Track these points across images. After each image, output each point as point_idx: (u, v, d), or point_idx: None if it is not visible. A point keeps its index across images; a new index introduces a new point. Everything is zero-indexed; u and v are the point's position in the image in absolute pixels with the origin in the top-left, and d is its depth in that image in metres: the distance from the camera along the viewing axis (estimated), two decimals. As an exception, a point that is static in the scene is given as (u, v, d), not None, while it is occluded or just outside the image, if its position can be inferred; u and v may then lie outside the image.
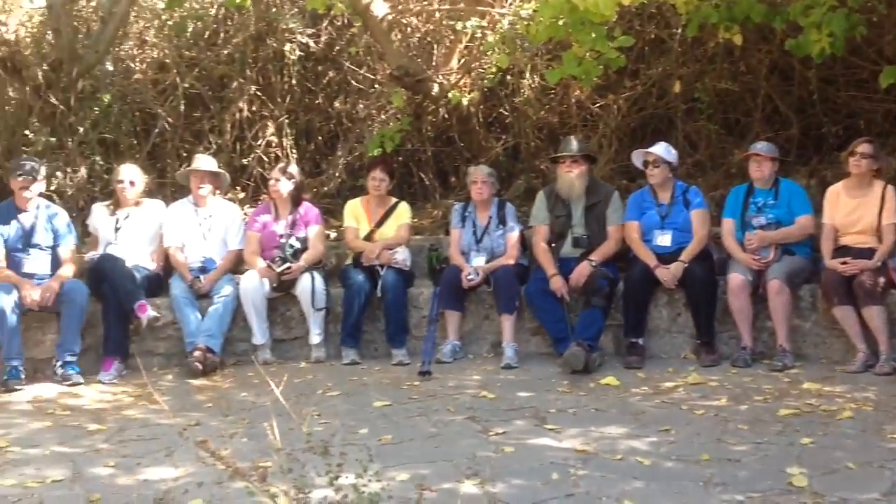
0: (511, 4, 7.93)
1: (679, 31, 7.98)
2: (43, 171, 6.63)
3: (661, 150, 6.56)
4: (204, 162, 6.99)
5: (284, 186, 6.86)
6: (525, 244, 6.88)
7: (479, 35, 7.89)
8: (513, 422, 5.01)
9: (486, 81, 7.99)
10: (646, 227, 6.52)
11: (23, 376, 6.10)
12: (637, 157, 6.71)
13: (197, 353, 6.28)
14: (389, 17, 7.91)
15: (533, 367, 6.31)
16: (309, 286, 6.55)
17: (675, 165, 6.66)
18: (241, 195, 8.54)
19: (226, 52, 8.92)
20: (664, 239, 6.44)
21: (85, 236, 7.12)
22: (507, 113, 8.83)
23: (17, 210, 6.46)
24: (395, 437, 4.77)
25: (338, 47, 9.14)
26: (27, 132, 8.06)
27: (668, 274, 6.25)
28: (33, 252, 6.44)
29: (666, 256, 6.35)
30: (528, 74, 8.51)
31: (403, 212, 7.07)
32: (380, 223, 6.98)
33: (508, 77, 8.45)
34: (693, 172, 7.95)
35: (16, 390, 5.99)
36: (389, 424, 5.03)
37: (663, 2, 6.94)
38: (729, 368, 6.06)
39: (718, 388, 5.61)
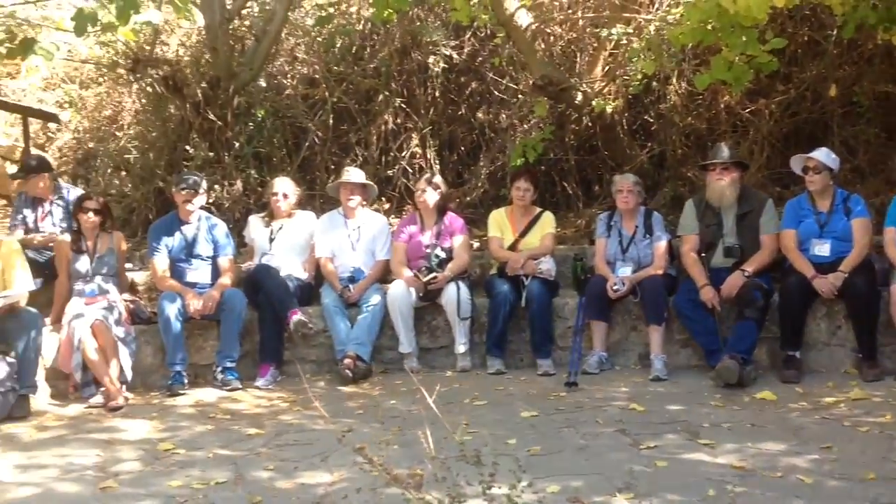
0: (657, 10, 7.80)
1: (834, 32, 7.68)
2: (204, 184, 6.94)
3: (822, 155, 6.30)
4: (354, 174, 7.17)
5: (430, 197, 6.96)
6: (673, 254, 6.76)
7: (624, 42, 7.80)
8: (664, 435, 4.92)
9: (630, 88, 7.88)
10: (803, 236, 6.28)
11: (186, 381, 6.41)
12: (796, 163, 6.47)
13: (347, 361, 6.43)
14: (533, 26, 7.90)
15: (682, 380, 6.18)
16: (455, 296, 6.61)
17: (836, 172, 6.40)
18: (387, 206, 8.71)
19: (372, 66, 9.12)
20: (822, 248, 6.19)
21: (241, 247, 7.40)
22: (652, 120, 8.70)
23: (181, 222, 6.77)
24: (544, 449, 4.76)
25: (480, 58, 9.21)
26: (187, 147, 8.44)
27: (827, 285, 6.00)
28: (195, 262, 6.74)
29: (824, 266, 6.11)
30: (674, 80, 8.35)
31: (548, 221, 7.05)
32: (524, 233, 6.99)
33: (654, 83, 8.32)
34: (851, 179, 7.63)
35: (180, 394, 6.29)
36: (537, 435, 5.03)
37: (818, 3, 6.68)
38: (893, 384, 5.79)
39: (883, 403, 5.37)
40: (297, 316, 6.49)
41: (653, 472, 4.30)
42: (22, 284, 6.11)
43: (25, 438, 5.45)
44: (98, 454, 5.09)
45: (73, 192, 7.39)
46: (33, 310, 6.13)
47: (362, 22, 9.30)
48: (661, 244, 6.67)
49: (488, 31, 8.92)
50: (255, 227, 7.23)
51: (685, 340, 6.54)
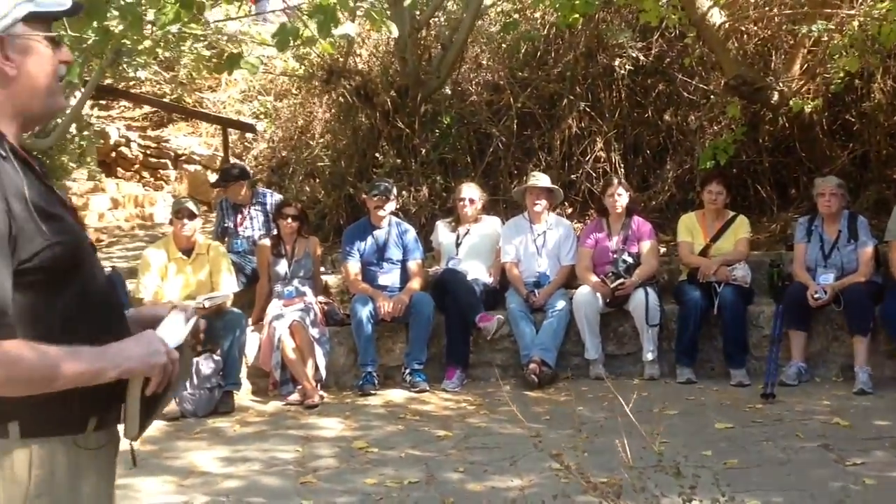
0: (861, 5, 7.39)
1: None
2: (395, 190, 7.11)
3: None
4: (541, 179, 7.16)
5: (622, 201, 6.86)
6: (879, 260, 6.37)
7: (825, 38, 7.42)
8: (872, 452, 4.66)
9: (832, 87, 7.49)
10: None
11: (376, 382, 6.58)
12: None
13: (532, 366, 6.43)
14: (726, 25, 7.65)
15: (889, 394, 5.84)
16: (643, 302, 6.48)
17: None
18: (569, 210, 8.65)
19: (556, 70, 9.08)
20: None
21: (427, 251, 7.53)
22: (854, 119, 8.24)
23: (373, 227, 6.97)
24: (742, 462, 4.60)
25: (668, 59, 9.00)
26: (377, 154, 8.68)
27: None
28: (386, 266, 6.92)
29: None
30: (879, 77, 7.88)
31: (741, 226, 6.81)
32: (716, 237, 6.78)
33: (857, 81, 7.87)
34: None
35: (370, 394, 6.47)
36: (734, 448, 4.86)
37: None
38: None
39: None
40: (490, 323, 6.53)
41: (860, 491, 4.08)
42: (228, 286, 6.46)
43: (230, 433, 5.74)
44: (297, 450, 5.31)
45: (270, 197, 7.75)
46: (238, 310, 6.47)
47: (546, 27, 9.28)
48: (868, 250, 6.31)
49: (677, 32, 8.70)
50: (442, 232, 7.35)
51: (891, 351, 6.19)
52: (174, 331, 1.94)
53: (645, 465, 3.39)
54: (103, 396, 1.82)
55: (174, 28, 7.13)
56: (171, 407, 5.93)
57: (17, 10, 1.77)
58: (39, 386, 1.68)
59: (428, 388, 6.53)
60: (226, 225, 7.68)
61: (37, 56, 1.80)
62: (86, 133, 12.09)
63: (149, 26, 7.06)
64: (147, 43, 7.51)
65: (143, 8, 6.03)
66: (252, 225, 7.63)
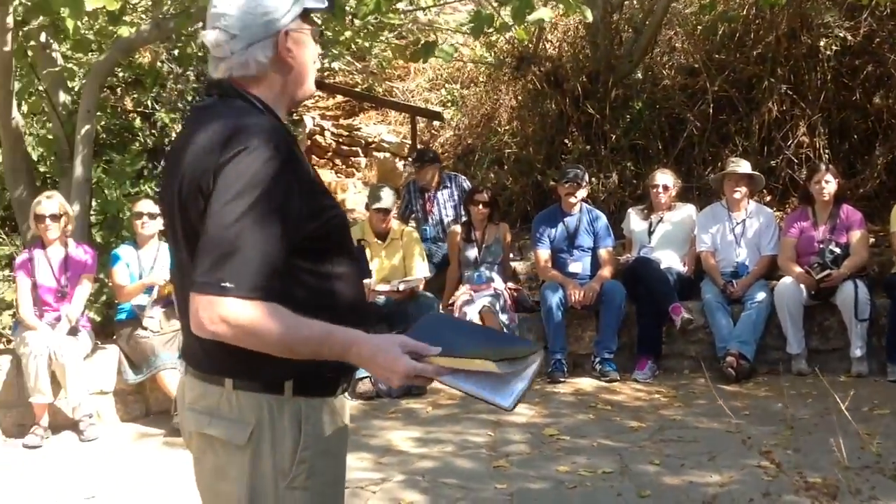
0: None
1: None
2: (586, 177, 7.01)
3: None
4: (742, 165, 6.87)
5: (830, 188, 6.49)
6: None
7: None
8: None
9: None
10: None
11: (566, 369, 6.52)
12: None
13: (729, 359, 6.21)
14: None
15: None
16: (851, 295, 6.12)
17: None
18: (768, 198, 8.28)
19: (756, 52, 8.70)
20: None
21: (617, 238, 7.39)
22: None
23: (563, 214, 6.90)
24: (967, 469, 4.26)
25: (878, 39, 8.45)
26: (566, 140, 8.60)
27: None
28: (576, 253, 6.84)
29: None
30: None
31: (963, 216, 6.31)
32: (933, 228, 6.31)
33: None
34: None
35: (560, 382, 6.42)
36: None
37: None
38: None
39: None
40: (682, 314, 6.36)
41: None
42: (420, 271, 6.57)
43: (423, 414, 5.84)
44: (488, 434, 5.34)
45: (457, 180, 7.84)
46: (430, 294, 6.57)
47: (746, 7, 8.90)
48: None
49: (888, 10, 8.15)
50: (634, 219, 7.20)
51: None
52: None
53: (860, 466, 3.19)
54: (352, 366, 1.94)
55: (372, 18, 7.31)
56: (367, 386, 6.11)
57: (296, 7, 1.93)
58: (282, 352, 1.81)
59: (618, 378, 6.43)
60: (413, 209, 7.82)
61: (306, 48, 1.98)
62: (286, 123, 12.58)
63: (349, 17, 7.27)
64: (347, 33, 7.72)
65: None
66: (440, 211, 7.73)
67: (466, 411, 5.84)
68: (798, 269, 6.41)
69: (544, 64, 8.73)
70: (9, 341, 6.08)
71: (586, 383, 6.46)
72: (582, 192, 6.89)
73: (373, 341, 1.86)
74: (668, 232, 6.99)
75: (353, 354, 1.84)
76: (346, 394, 2.07)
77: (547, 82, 8.75)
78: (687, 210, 7.14)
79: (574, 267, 6.82)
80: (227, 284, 1.73)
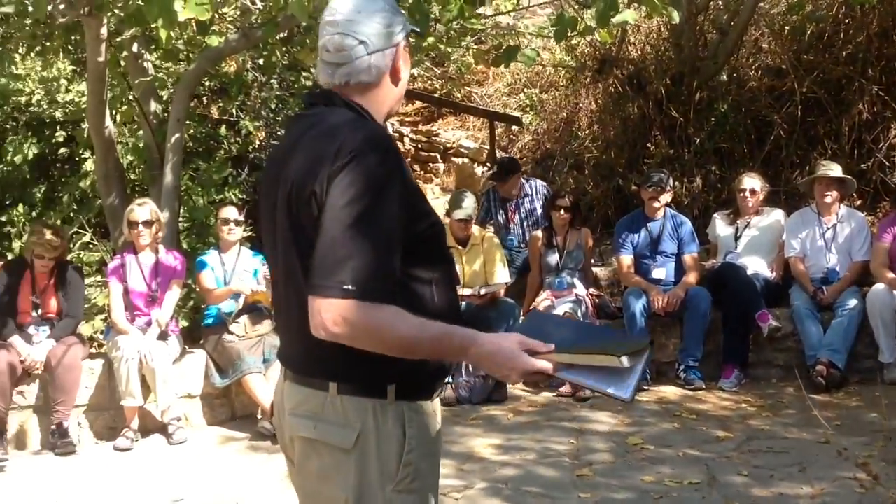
0: None
1: None
2: (670, 181, 6.90)
3: None
4: (833, 168, 6.68)
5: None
6: None
7: None
8: None
9: None
10: None
11: (649, 377, 6.43)
12: None
13: (819, 368, 6.05)
14: None
15: None
16: (949, 303, 5.90)
17: None
18: (858, 202, 8.04)
19: (845, 52, 8.46)
20: None
21: (702, 244, 7.26)
22: None
23: (646, 219, 6.81)
24: None
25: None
26: (648, 144, 8.48)
27: None
28: (660, 259, 6.74)
29: None
30: None
31: None
32: None
33: None
34: None
35: (643, 390, 6.29)
36: None
37: None
38: None
39: None
40: (769, 321, 6.22)
41: None
42: (501, 276, 6.56)
43: (504, 421, 5.82)
44: (571, 442, 5.29)
45: (535, 185, 7.80)
46: (510, 300, 6.54)
47: (835, 7, 8.67)
48: None
49: None
50: (720, 224, 7.07)
51: None
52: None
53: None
54: (448, 369, 2.08)
55: (454, 23, 7.32)
56: (448, 393, 6.11)
57: (407, 26, 2.08)
58: (401, 352, 1.87)
59: (704, 387, 6.31)
60: (493, 217, 7.80)
61: (406, 64, 2.11)
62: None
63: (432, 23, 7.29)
64: (430, 39, 7.75)
65: (429, 5, 6.20)
66: (522, 219, 7.70)
67: (548, 419, 5.81)
68: (891, 276, 6.22)
69: (626, 66, 8.63)
70: (100, 345, 6.25)
71: (670, 391, 6.35)
72: (666, 197, 6.79)
73: (491, 340, 1.92)
74: (756, 237, 6.84)
75: (471, 354, 1.90)
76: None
77: (629, 85, 8.65)
78: (775, 215, 6.97)
79: (657, 273, 6.72)
80: (349, 287, 1.79)
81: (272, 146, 9.66)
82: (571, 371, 1.94)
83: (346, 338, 1.82)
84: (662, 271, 6.72)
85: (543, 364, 1.91)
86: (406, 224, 1.88)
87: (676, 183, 8.09)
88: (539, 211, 7.64)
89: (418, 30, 2.14)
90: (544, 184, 8.12)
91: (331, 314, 1.80)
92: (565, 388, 6.31)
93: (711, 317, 6.50)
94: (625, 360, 1.91)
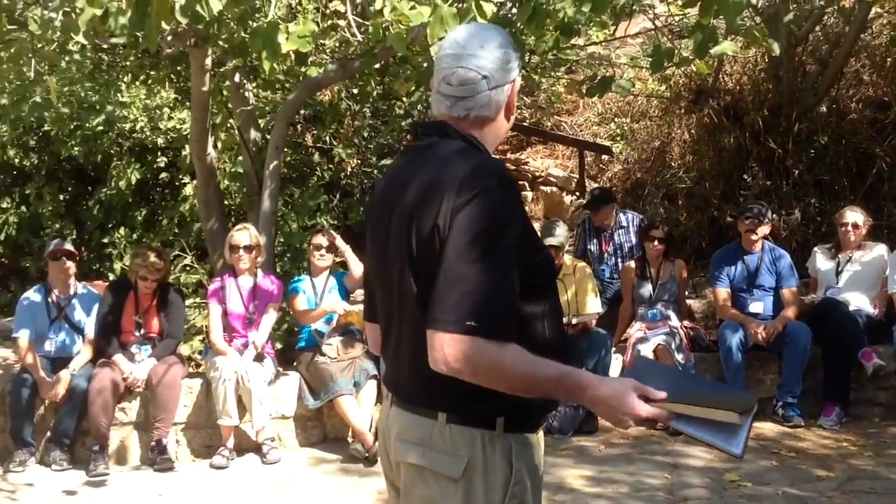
0: None
1: None
2: (768, 214, 6.77)
3: None
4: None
5: None
6: None
7: None
8: None
9: None
10: None
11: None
12: None
13: (925, 408, 5.83)
14: None
15: None
16: None
17: None
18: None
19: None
20: None
21: (801, 278, 7.09)
22: None
23: (743, 251, 6.67)
24: None
25: None
26: (744, 176, 8.35)
27: None
28: (757, 292, 6.59)
29: None
30: None
31: None
32: None
33: None
34: None
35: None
36: None
37: None
38: None
39: None
40: (873, 359, 6.03)
41: None
42: (593, 306, 6.50)
43: (595, 452, 5.76)
44: (665, 476, 5.21)
45: (629, 217, 7.74)
46: (603, 331, 6.48)
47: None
48: None
49: None
50: (820, 258, 6.90)
51: None
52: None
53: None
54: (555, 403, 2.14)
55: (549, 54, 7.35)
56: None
57: (519, 61, 2.12)
58: (518, 391, 1.88)
59: (803, 424, 6.13)
60: (588, 247, 7.76)
61: (514, 94, 2.11)
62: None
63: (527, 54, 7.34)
64: (525, 70, 7.79)
65: (525, 37, 6.24)
66: (616, 250, 7.64)
67: (641, 451, 5.73)
68: None
69: (723, 97, 8.52)
70: (199, 365, 6.40)
71: (767, 428, 6.20)
72: (763, 230, 6.66)
73: (607, 384, 1.91)
74: (858, 272, 6.66)
75: (587, 396, 1.89)
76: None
77: (725, 116, 8.54)
78: (878, 249, 6.77)
79: (754, 307, 6.58)
80: (472, 323, 1.79)
81: (369, 174, 9.83)
82: (682, 421, 1.92)
83: (466, 374, 1.83)
84: (760, 305, 6.58)
85: (659, 412, 1.90)
86: (523, 258, 1.90)
87: (774, 215, 7.93)
88: (633, 243, 7.56)
89: (520, 66, 2.14)
90: (639, 215, 8.04)
91: (453, 350, 1.81)
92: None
93: (811, 352, 6.32)
94: (740, 418, 1.91)
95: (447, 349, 1.81)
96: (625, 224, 7.73)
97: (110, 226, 9.14)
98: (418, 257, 1.92)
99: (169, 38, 6.13)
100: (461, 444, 1.93)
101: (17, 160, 8.88)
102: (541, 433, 2.10)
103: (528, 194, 14.01)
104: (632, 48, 12.32)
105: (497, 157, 10.22)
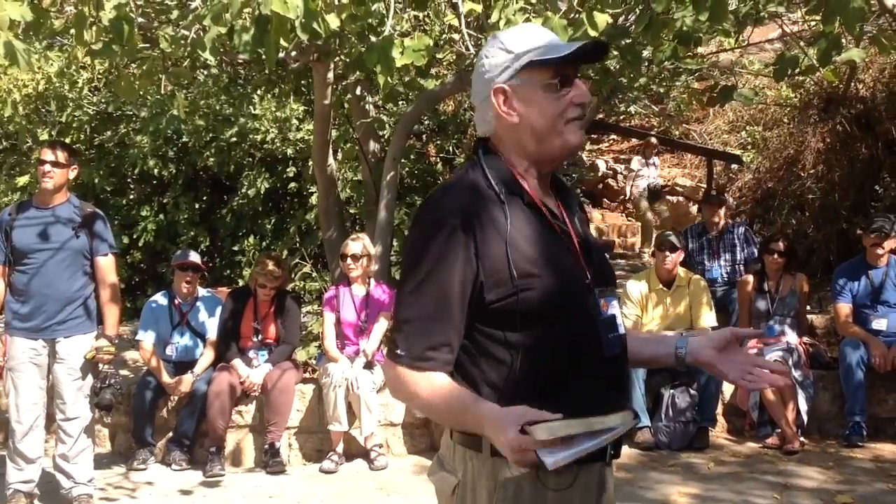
0: None
1: None
2: (895, 227, 6.47)
3: None
4: None
5: None
6: None
7: None
8: None
9: None
10: None
11: (865, 433, 6.04)
12: None
13: None
14: None
15: None
16: None
17: None
18: None
19: None
20: None
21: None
22: None
23: (868, 266, 6.41)
24: None
25: None
26: (876, 187, 8.01)
27: None
28: (881, 309, 6.33)
29: None
30: None
31: None
32: None
33: None
34: None
35: (858, 446, 5.97)
36: None
37: None
38: None
39: None
40: None
41: None
42: (708, 320, 6.38)
43: (704, 470, 5.65)
44: (774, 496, 5.07)
45: (738, 228, 7.63)
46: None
47: None
48: None
49: None
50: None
51: None
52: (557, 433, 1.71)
53: None
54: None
55: (668, 63, 7.26)
56: (646, 436, 6.02)
57: (516, 63, 1.91)
58: (441, 421, 2.00)
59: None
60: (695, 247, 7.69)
61: (535, 102, 1.91)
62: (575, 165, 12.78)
63: (645, 64, 7.27)
64: (642, 80, 7.72)
65: (642, 46, 6.18)
66: (723, 254, 7.55)
67: (751, 470, 5.59)
68: None
69: (855, 105, 8.19)
70: (314, 370, 6.61)
71: (887, 450, 5.96)
72: (890, 244, 6.37)
73: (492, 416, 1.77)
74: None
75: (487, 431, 1.79)
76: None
77: (857, 124, 8.20)
78: None
79: (878, 324, 6.30)
80: (399, 352, 1.87)
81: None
82: (551, 450, 1.69)
83: (400, 398, 1.99)
84: (884, 322, 6.30)
85: (523, 439, 1.68)
86: (477, 292, 1.83)
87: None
88: (740, 255, 7.46)
89: (555, 56, 1.89)
90: (749, 230, 7.86)
91: (386, 375, 1.95)
92: (771, 440, 6.05)
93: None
94: (601, 423, 1.76)
95: (385, 373, 1.90)
96: (732, 231, 7.63)
97: (241, 234, 9.51)
98: None
99: (293, 53, 6.39)
100: (458, 463, 1.95)
101: (156, 170, 9.34)
102: (557, 475, 1.86)
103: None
104: (767, 55, 11.99)
105: (615, 162, 10.14)
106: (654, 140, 12.24)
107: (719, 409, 6.41)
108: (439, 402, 1.86)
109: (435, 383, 1.85)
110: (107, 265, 5.04)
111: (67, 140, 8.97)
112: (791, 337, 6.43)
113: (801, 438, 6.04)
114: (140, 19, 5.68)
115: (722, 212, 7.74)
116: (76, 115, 9.71)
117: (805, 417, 6.14)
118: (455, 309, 1.84)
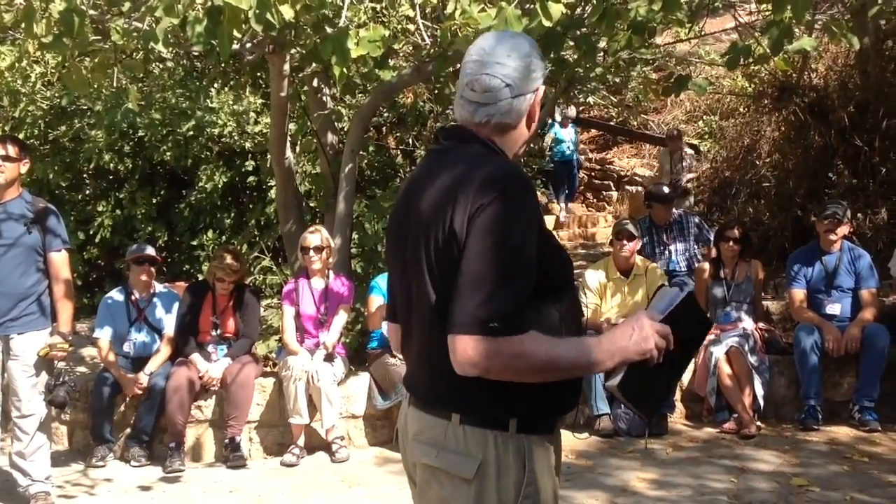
0: None
1: None
2: (848, 213, 6.57)
3: None
4: None
5: None
6: None
7: None
8: None
9: None
10: None
11: (820, 416, 6.14)
12: None
13: None
14: None
15: None
16: None
17: None
18: None
19: None
20: None
21: (882, 279, 6.86)
22: None
23: (822, 252, 6.50)
24: None
25: None
26: (829, 174, 8.13)
27: None
28: (835, 294, 6.41)
29: None
30: None
31: None
32: None
33: None
34: None
35: (813, 430, 6.06)
36: None
37: None
38: None
39: None
40: None
41: None
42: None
43: (662, 455, 5.71)
44: (731, 480, 5.14)
45: (686, 218, 7.67)
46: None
47: None
48: None
49: None
50: (908, 260, 6.67)
51: None
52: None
53: None
54: (567, 405, 2.10)
55: (624, 53, 7.30)
56: (606, 424, 6.07)
57: (545, 72, 2.15)
58: (549, 376, 1.94)
59: (879, 429, 5.97)
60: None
61: (537, 103, 2.15)
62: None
63: (601, 54, 7.31)
64: (598, 70, 7.76)
65: (597, 36, 6.21)
66: (675, 245, 7.58)
67: (708, 455, 5.66)
68: None
69: (808, 94, 8.30)
70: (275, 364, 6.59)
71: (842, 433, 6.05)
72: (843, 230, 6.47)
73: (620, 329, 2.01)
74: (943, 273, 6.43)
75: (603, 351, 1.96)
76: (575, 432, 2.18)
77: (810, 113, 8.31)
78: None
79: (832, 308, 6.40)
80: (495, 325, 1.85)
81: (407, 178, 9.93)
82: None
83: (494, 373, 1.88)
84: (837, 307, 6.40)
85: (664, 327, 2.01)
86: (541, 261, 1.93)
87: (859, 214, 7.71)
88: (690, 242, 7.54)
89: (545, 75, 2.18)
90: (697, 220, 7.91)
91: (477, 352, 1.85)
92: (729, 425, 6.12)
93: (890, 356, 6.13)
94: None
95: (471, 352, 1.85)
96: (680, 220, 7.65)
97: (199, 228, 9.44)
98: (435, 260, 1.97)
99: (248, 45, 6.34)
100: (474, 445, 1.96)
101: (112, 165, 9.24)
102: (559, 435, 2.14)
103: (614, 194, 13.95)
104: (724, 45, 12.11)
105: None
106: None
107: (677, 396, 6.48)
108: (562, 350, 1.92)
109: (534, 338, 1.89)
110: (60, 261, 4.98)
111: (21, 136, 8.84)
112: (747, 323, 6.51)
113: (758, 423, 6.12)
114: (91, 11, 5.61)
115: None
116: (29, 109, 9.58)
117: (761, 402, 6.23)
118: (533, 275, 1.92)
